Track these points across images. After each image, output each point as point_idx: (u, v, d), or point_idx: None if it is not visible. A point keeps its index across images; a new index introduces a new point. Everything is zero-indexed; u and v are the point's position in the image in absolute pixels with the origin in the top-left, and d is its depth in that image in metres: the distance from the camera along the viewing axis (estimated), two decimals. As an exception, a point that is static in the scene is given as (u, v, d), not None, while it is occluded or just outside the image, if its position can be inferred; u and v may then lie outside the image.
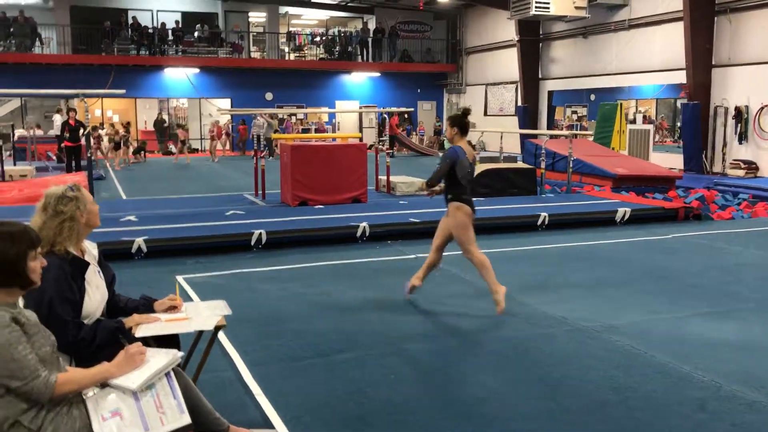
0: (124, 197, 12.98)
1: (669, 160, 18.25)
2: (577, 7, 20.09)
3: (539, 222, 9.36)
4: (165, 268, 7.20)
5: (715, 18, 17.17)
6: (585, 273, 7.00)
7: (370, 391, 4.07)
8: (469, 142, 6.12)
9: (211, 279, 6.85)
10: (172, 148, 26.60)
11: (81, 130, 15.19)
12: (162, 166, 20.54)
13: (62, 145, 16.64)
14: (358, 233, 8.57)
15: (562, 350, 4.71)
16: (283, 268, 7.25)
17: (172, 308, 3.36)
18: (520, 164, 12.77)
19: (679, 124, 27.95)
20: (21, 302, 2.61)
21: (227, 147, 26.15)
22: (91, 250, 3.19)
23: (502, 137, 15.12)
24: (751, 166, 16.25)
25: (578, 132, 16.28)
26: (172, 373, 2.61)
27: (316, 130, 27.48)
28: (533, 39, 23.92)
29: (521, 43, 23.86)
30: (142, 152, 22.30)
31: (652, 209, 10.09)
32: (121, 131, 21.25)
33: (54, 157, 20.20)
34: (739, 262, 7.43)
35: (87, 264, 3.05)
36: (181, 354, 2.66)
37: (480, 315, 5.58)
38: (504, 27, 25.03)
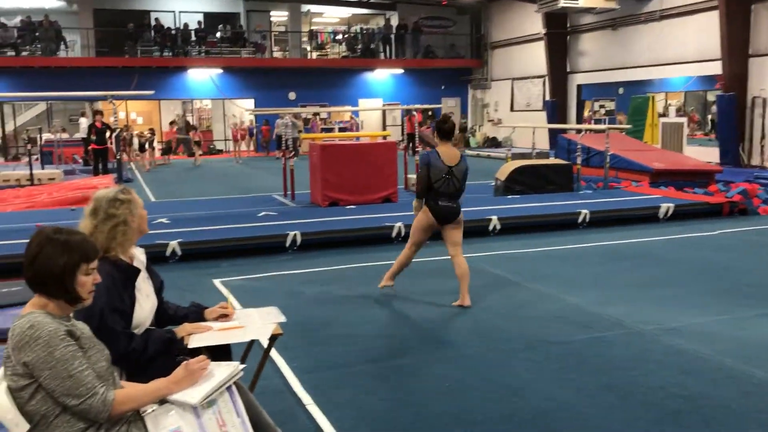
0: (153, 199, 12.89)
1: (703, 154, 17.78)
2: (606, -1, 19.73)
3: (580, 219, 9.08)
4: (200, 271, 7.06)
5: (752, 6, 16.70)
6: (634, 272, 6.73)
7: (426, 401, 3.86)
8: (461, 143, 6.09)
9: (249, 282, 6.69)
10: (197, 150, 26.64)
11: (108, 133, 15.17)
12: (187, 168, 20.49)
13: (89, 147, 16.64)
14: (394, 233, 8.37)
15: (624, 355, 4.47)
16: (321, 270, 7.07)
17: (224, 316, 3.18)
18: (555, 160, 12.49)
19: (709, 116, 27.50)
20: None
21: (251, 148, 26.10)
22: (139, 255, 3.02)
23: (534, 133, 14.82)
24: (791, 159, 15.78)
25: (615, 126, 15.86)
26: (234, 388, 2.42)
27: (341, 129, 27.35)
28: (561, 32, 23.53)
29: (548, 36, 23.49)
30: (170, 154, 22.34)
31: (696, 205, 9.76)
32: (147, 134, 21.27)
33: (80, 161, 20.25)
34: (796, 258, 7.12)
35: (138, 271, 2.89)
36: (242, 366, 2.47)
37: (530, 317, 5.35)
38: (530, 20, 24.67)
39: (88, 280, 2.28)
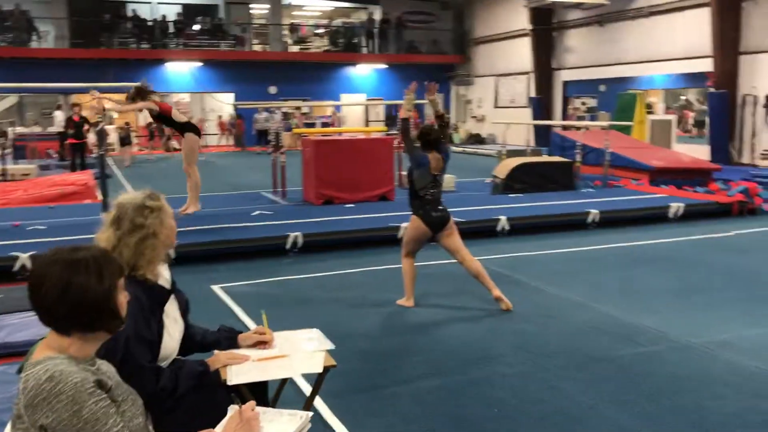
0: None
1: (693, 151, 17.60)
2: (595, -6, 19.47)
3: (589, 220, 8.73)
4: (196, 276, 6.52)
5: (742, 3, 16.54)
6: (661, 277, 6.37)
7: (475, 430, 3.44)
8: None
9: (252, 288, 6.21)
10: (176, 144, 25.92)
11: (86, 126, 14.50)
12: (168, 163, 19.78)
13: (66, 142, 15.94)
14: (399, 234, 7.92)
15: (682, 374, 4.08)
16: (329, 275, 6.60)
17: (262, 343, 2.71)
18: (557, 158, 12.14)
19: (692, 114, 27.46)
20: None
21: (230, 142, 25.48)
22: (164, 273, 2.54)
23: (528, 130, 14.45)
24: (784, 157, 15.66)
25: (617, 123, 15.52)
26: (302, 446, 1.96)
27: (323, 124, 26.81)
28: (546, 28, 23.24)
29: (534, 32, 23.19)
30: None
31: (707, 204, 9.47)
32: (125, 128, 20.55)
33: (55, 155, 19.47)
34: (825, 262, 6.83)
35: (169, 293, 2.42)
36: (310, 415, 2.00)
37: (565, 329, 4.95)
38: (515, 16, 24.36)
39: (124, 300, 1.81)
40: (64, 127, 16.26)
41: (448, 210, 5.54)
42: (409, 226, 5.60)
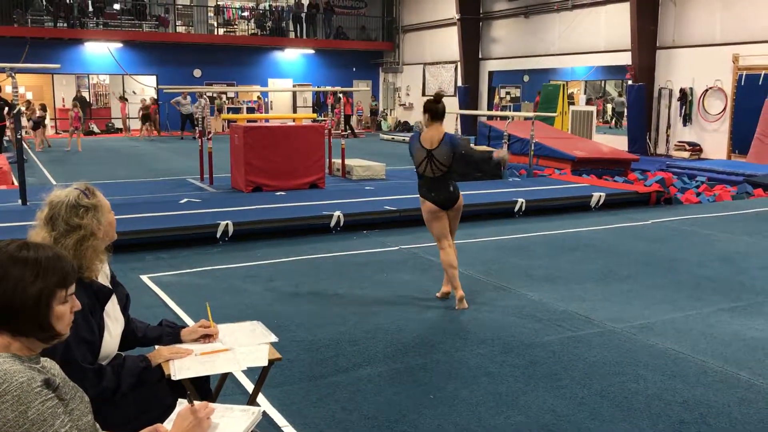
0: (54, 183, 11.82)
1: (611, 142, 18.30)
2: (521, -14, 19.84)
3: (516, 208, 8.96)
4: (123, 266, 6.33)
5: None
6: (583, 264, 6.62)
7: (412, 415, 3.51)
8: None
9: (182, 278, 6.09)
10: (94, 127, 25.01)
11: (6, 109, 13.83)
12: (86, 148, 19.05)
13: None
14: (332, 223, 7.93)
15: (607, 358, 4.27)
16: (261, 264, 6.55)
17: (206, 336, 2.67)
18: (485, 148, 12.35)
19: (611, 106, 28.49)
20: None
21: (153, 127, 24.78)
22: (104, 268, 2.47)
23: (457, 119, 14.67)
24: (695, 148, 16.46)
25: (543, 114, 15.88)
26: (253, 439, 1.96)
27: (249, 110, 26.37)
28: (474, 18, 23.57)
29: (462, 21, 23.47)
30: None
31: (626, 194, 9.87)
32: (38, 111, 19.63)
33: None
34: (735, 250, 7.22)
35: (110, 293, 2.35)
36: (261, 410, 2.00)
37: (495, 315, 5.09)
38: (443, 5, 24.60)
39: (66, 311, 1.74)
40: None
41: (459, 190, 5.34)
42: (424, 215, 5.36)
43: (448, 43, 24.90)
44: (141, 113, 22.55)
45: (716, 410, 3.58)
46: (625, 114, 20.08)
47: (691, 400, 3.70)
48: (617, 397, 3.71)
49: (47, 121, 20.64)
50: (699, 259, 6.83)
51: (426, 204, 5.28)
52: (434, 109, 5.24)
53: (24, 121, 18.79)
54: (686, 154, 16.38)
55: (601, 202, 9.52)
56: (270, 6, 28.82)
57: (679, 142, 16.95)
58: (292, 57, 27.64)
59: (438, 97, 5.32)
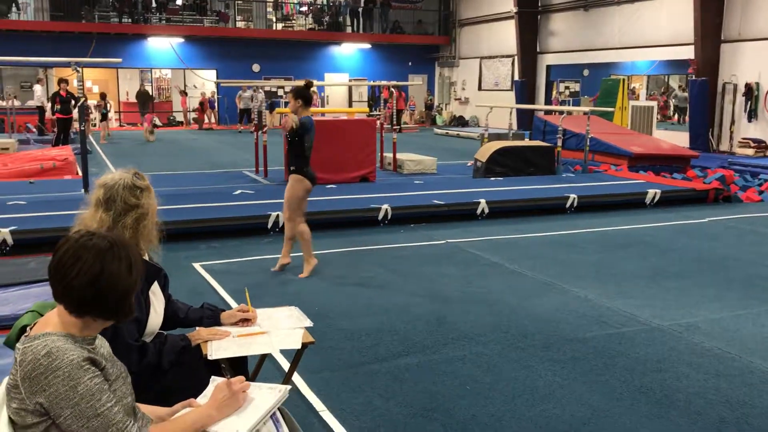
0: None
1: (672, 138, 17.82)
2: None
3: (568, 204, 8.86)
4: (177, 254, 6.57)
5: (725, -9, 16.68)
6: (635, 261, 6.52)
7: (449, 406, 3.55)
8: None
9: (232, 266, 6.27)
10: (156, 120, 25.71)
11: (72, 102, 14.41)
12: (145, 140, 19.64)
13: (53, 116, 15.85)
14: (380, 216, 8.01)
15: (650, 355, 4.22)
16: (309, 255, 6.66)
17: (245, 320, 2.78)
18: (538, 142, 12.25)
19: (673, 101, 27.70)
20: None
21: (213, 120, 25.38)
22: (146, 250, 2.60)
23: (511, 113, 14.55)
24: (761, 145, 15.88)
25: (598, 109, 15.63)
26: (279, 415, 2.05)
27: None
28: (532, 11, 23.27)
29: (519, 15, 23.20)
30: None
31: (684, 191, 9.64)
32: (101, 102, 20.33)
33: (34, 129, 19.25)
34: (793, 249, 7.00)
35: (160, 270, 2.47)
36: (288, 388, 2.08)
37: (539, 310, 5.07)
38: (500, -2, 24.36)
39: (133, 300, 1.88)
40: (50, 103, 16.13)
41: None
42: (295, 191, 5.82)
43: (505, 36, 24.65)
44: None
45: (759, 411, 3.51)
46: (688, 110, 19.50)
47: (734, 399, 3.63)
48: (657, 394, 3.67)
49: (111, 114, 21.33)
50: (753, 258, 6.64)
51: (306, 185, 5.81)
52: (305, 95, 5.67)
53: (95, 113, 19.53)
54: (751, 152, 15.82)
55: (656, 199, 9.32)
56: (327, 1, 29.08)
57: (744, 138, 16.38)
58: (349, 51, 27.82)
59: (309, 85, 5.89)
